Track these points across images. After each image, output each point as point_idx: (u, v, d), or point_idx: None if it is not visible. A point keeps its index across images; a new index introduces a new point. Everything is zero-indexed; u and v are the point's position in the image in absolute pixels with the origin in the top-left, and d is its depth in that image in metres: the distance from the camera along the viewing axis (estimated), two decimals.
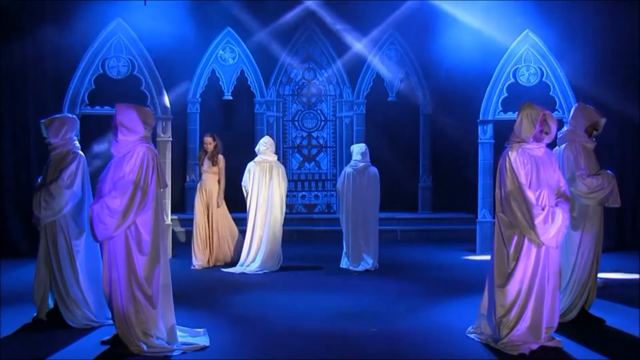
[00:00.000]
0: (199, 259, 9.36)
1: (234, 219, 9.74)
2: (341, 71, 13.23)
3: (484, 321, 5.52)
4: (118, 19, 10.03)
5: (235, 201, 9.86)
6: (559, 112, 10.26)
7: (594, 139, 6.26)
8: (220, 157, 9.60)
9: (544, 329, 5.24)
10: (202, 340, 5.45)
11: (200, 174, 9.72)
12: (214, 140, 9.63)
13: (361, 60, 13.11)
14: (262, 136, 9.92)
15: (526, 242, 5.23)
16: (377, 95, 13.33)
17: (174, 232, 10.88)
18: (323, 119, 13.67)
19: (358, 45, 12.93)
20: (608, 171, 6.22)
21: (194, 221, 9.57)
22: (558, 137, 6.18)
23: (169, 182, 9.91)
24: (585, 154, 6.15)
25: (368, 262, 9.14)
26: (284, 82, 13.41)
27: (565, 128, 6.38)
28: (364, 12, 12.77)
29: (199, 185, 9.68)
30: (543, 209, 5.17)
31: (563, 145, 6.24)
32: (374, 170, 9.41)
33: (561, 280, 5.50)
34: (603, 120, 6.25)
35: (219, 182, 9.58)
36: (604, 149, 9.96)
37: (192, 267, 9.27)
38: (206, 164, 9.60)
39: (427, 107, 13.51)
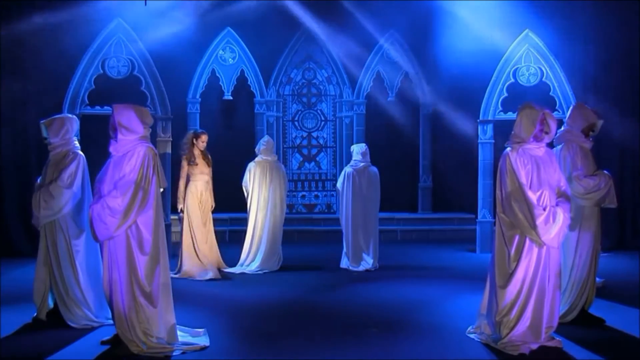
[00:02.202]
0: (199, 267, 8.56)
1: (234, 219, 9.70)
2: (340, 70, 13.20)
3: (484, 321, 5.53)
4: (118, 19, 10.02)
5: (236, 201, 9.84)
6: (558, 112, 10.26)
7: (591, 139, 6.24)
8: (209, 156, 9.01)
9: (544, 329, 5.25)
10: (202, 340, 5.45)
11: (188, 175, 8.79)
12: None
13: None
14: (262, 136, 9.90)
15: (527, 242, 5.23)
16: (377, 95, 13.32)
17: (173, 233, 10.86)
18: (323, 119, 13.66)
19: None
20: (605, 171, 6.21)
21: (190, 227, 8.71)
22: (555, 137, 6.18)
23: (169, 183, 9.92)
24: (582, 155, 6.14)
25: (368, 262, 9.14)
26: (284, 82, 13.40)
27: (562, 128, 6.37)
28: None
29: (189, 187, 8.75)
30: (544, 209, 5.17)
31: (560, 146, 6.23)
32: (374, 170, 9.41)
33: (561, 281, 5.50)
34: (600, 122, 6.23)
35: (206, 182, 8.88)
36: (603, 149, 10.03)
37: (175, 275, 8.22)
38: (200, 163, 8.80)
39: (427, 107, 13.50)
